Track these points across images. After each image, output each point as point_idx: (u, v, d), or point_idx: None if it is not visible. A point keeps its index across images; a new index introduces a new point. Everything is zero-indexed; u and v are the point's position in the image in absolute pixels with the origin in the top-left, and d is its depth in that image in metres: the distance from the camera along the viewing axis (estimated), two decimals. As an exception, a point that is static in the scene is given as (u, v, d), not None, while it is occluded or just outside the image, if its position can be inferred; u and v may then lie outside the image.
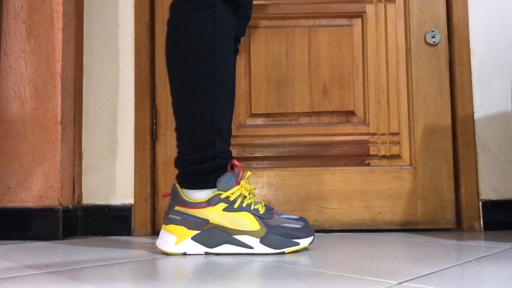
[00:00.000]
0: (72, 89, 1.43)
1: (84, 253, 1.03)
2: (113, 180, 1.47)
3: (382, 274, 0.74)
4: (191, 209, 0.99)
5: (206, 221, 0.98)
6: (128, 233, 1.43)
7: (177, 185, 1.02)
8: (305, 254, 0.98)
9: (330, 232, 1.42)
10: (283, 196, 1.45)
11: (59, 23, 1.38)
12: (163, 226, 1.01)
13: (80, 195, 1.46)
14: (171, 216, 1.00)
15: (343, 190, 1.45)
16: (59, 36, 1.38)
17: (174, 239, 0.99)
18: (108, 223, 1.44)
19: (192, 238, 0.99)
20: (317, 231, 1.44)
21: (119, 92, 1.50)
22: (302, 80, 1.50)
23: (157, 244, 1.01)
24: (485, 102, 1.47)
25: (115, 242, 1.24)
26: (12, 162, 1.36)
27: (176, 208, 1.00)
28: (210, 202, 0.99)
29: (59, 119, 1.36)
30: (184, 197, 1.00)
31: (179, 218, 0.99)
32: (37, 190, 1.35)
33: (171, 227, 1.00)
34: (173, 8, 1.02)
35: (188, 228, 0.99)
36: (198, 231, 0.99)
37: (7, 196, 1.35)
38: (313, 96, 1.50)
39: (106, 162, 1.48)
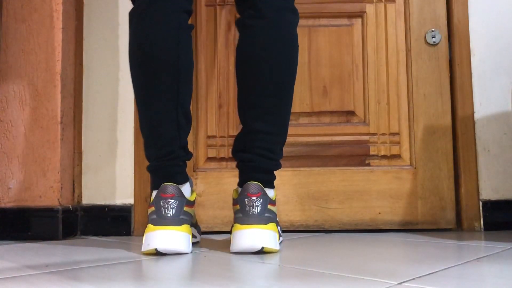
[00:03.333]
0: (72, 89, 1.43)
1: (84, 253, 1.03)
2: (113, 180, 1.47)
3: (382, 274, 0.74)
4: (274, 207, 1.02)
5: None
6: (128, 233, 1.43)
7: (261, 184, 1.00)
8: (305, 254, 0.98)
9: (330, 232, 1.42)
10: (283, 196, 1.45)
11: (59, 23, 1.38)
12: (263, 226, 0.96)
13: (80, 195, 1.46)
14: (268, 215, 0.98)
15: (343, 190, 1.45)
16: (59, 36, 1.38)
17: (277, 236, 1.00)
18: (108, 223, 1.44)
19: (279, 234, 1.05)
20: (317, 231, 1.44)
21: (119, 92, 1.50)
22: (302, 80, 1.50)
23: (266, 244, 0.95)
24: (485, 102, 1.47)
25: (115, 242, 1.24)
26: (12, 162, 1.36)
27: (269, 207, 0.99)
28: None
29: (59, 119, 1.36)
30: (270, 196, 1.01)
31: (272, 216, 1.00)
32: (37, 190, 1.35)
33: (272, 225, 0.98)
34: (279, 12, 1.03)
35: (276, 225, 1.02)
36: (278, 227, 1.07)
37: (7, 196, 1.35)
38: (313, 96, 1.50)
39: (106, 162, 1.48)
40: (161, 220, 0.95)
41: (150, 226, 0.96)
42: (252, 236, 0.95)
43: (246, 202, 0.98)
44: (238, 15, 1.12)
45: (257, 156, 1.04)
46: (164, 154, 1.01)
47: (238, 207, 1.00)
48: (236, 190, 1.07)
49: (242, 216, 0.97)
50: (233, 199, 1.05)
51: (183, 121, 1.02)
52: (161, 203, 0.96)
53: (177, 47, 1.00)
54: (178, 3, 1.02)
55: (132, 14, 1.04)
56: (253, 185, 0.99)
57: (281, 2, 1.04)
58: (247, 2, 1.06)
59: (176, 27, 1.01)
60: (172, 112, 1.00)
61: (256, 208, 0.97)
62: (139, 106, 1.03)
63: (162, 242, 0.94)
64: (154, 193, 1.00)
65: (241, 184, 1.06)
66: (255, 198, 0.98)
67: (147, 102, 1.01)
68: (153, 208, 0.97)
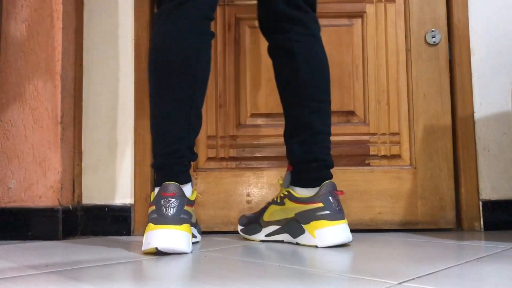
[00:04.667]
0: (72, 89, 1.43)
1: (84, 253, 1.03)
2: (113, 180, 1.47)
3: (382, 274, 0.74)
4: None
5: None
6: (128, 233, 1.43)
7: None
8: (305, 254, 0.98)
9: (330, 232, 1.42)
10: (283, 196, 1.44)
11: (59, 23, 1.38)
12: (346, 221, 1.09)
13: (80, 195, 1.46)
14: None
15: (343, 190, 1.45)
16: (59, 36, 1.38)
17: None
18: (108, 223, 1.44)
19: None
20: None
21: (119, 92, 1.50)
22: (302, 80, 1.49)
23: (351, 237, 1.08)
24: (485, 102, 1.47)
25: (115, 242, 1.24)
26: (12, 162, 1.36)
27: None
28: None
29: (59, 119, 1.36)
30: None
31: None
32: (37, 190, 1.35)
33: None
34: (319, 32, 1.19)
35: None
36: None
37: (7, 196, 1.35)
38: (313, 96, 1.49)
39: (106, 162, 1.48)
40: (161, 219, 0.95)
41: (150, 225, 0.96)
42: (345, 230, 1.07)
43: (332, 199, 1.08)
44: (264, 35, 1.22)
45: (326, 155, 1.13)
46: (170, 152, 1.02)
47: (321, 204, 1.07)
48: (292, 190, 1.14)
49: (330, 213, 1.06)
50: (305, 198, 1.10)
51: (195, 122, 1.04)
52: (162, 202, 0.96)
53: (197, 54, 1.03)
54: (201, 10, 1.04)
55: (157, 17, 1.06)
56: (333, 184, 1.09)
57: (319, 27, 1.19)
58: (295, 20, 1.14)
59: (197, 33, 1.04)
60: (185, 113, 1.02)
61: (340, 204, 1.09)
62: (153, 102, 1.04)
63: (162, 241, 0.94)
64: (156, 190, 1.00)
65: (310, 183, 1.11)
66: (339, 196, 1.09)
67: (162, 100, 1.02)
68: (153, 207, 0.97)
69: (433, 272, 0.75)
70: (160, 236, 0.94)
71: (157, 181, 1.02)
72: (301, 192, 1.12)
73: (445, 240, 1.17)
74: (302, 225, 1.10)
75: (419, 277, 0.72)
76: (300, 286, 0.67)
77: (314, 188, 1.10)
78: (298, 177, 1.14)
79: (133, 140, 1.48)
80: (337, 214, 1.07)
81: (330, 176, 1.12)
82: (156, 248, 0.94)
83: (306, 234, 1.09)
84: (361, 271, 0.77)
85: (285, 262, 0.87)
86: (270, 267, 0.83)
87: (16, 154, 1.36)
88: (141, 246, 0.97)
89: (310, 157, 1.12)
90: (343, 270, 0.78)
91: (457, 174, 1.46)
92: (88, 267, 0.84)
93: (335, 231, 1.05)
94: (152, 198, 1.00)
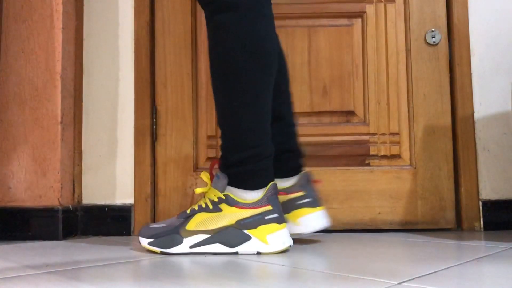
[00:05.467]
0: (72, 89, 1.43)
1: (84, 253, 1.03)
2: (113, 180, 1.47)
3: (382, 274, 0.74)
4: None
5: None
6: (128, 233, 1.43)
7: None
8: (306, 254, 0.98)
9: (330, 232, 1.42)
10: (283, 196, 1.44)
11: (59, 23, 1.38)
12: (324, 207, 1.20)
13: (80, 195, 1.46)
14: None
15: (343, 190, 1.45)
16: (59, 36, 1.38)
17: None
18: (108, 223, 1.44)
19: None
20: (317, 231, 1.44)
21: (119, 92, 1.50)
22: (302, 80, 1.50)
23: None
24: (485, 102, 1.47)
25: (115, 242, 1.24)
26: (12, 162, 1.36)
27: None
28: None
29: (59, 119, 1.36)
30: None
31: None
32: (37, 190, 1.35)
33: None
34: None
35: None
36: None
37: (7, 196, 1.35)
38: (313, 96, 1.50)
39: (106, 162, 1.48)
40: (283, 218, 1.00)
41: (274, 225, 0.97)
42: (326, 215, 1.13)
43: (311, 187, 1.12)
44: None
45: (299, 145, 1.17)
46: (270, 154, 1.01)
47: (302, 193, 1.11)
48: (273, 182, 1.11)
49: (311, 200, 1.11)
50: (285, 188, 1.12)
51: None
52: (278, 202, 1.01)
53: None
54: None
55: (244, 7, 0.95)
56: (309, 173, 1.13)
57: None
58: None
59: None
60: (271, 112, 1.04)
61: (317, 192, 1.13)
62: (246, 103, 0.97)
63: (290, 239, 1.00)
64: (253, 192, 0.98)
65: (291, 172, 1.13)
66: (315, 184, 1.14)
67: (259, 99, 0.97)
68: (270, 207, 0.97)
69: (433, 272, 0.75)
70: (288, 234, 0.99)
71: (254, 182, 0.99)
72: (279, 183, 1.14)
73: (445, 240, 1.17)
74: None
75: (419, 277, 0.72)
76: (300, 286, 0.67)
77: (289, 178, 1.13)
78: (275, 168, 1.09)
79: (133, 140, 1.47)
80: (317, 201, 1.12)
81: (304, 165, 1.16)
82: (290, 245, 1.00)
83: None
84: (361, 271, 0.77)
85: (285, 262, 0.87)
86: (270, 267, 0.83)
87: (16, 154, 1.36)
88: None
89: (286, 147, 1.14)
90: (343, 270, 0.78)
91: (457, 174, 1.46)
92: (88, 267, 0.84)
93: (318, 217, 1.11)
94: (240, 199, 0.98)
